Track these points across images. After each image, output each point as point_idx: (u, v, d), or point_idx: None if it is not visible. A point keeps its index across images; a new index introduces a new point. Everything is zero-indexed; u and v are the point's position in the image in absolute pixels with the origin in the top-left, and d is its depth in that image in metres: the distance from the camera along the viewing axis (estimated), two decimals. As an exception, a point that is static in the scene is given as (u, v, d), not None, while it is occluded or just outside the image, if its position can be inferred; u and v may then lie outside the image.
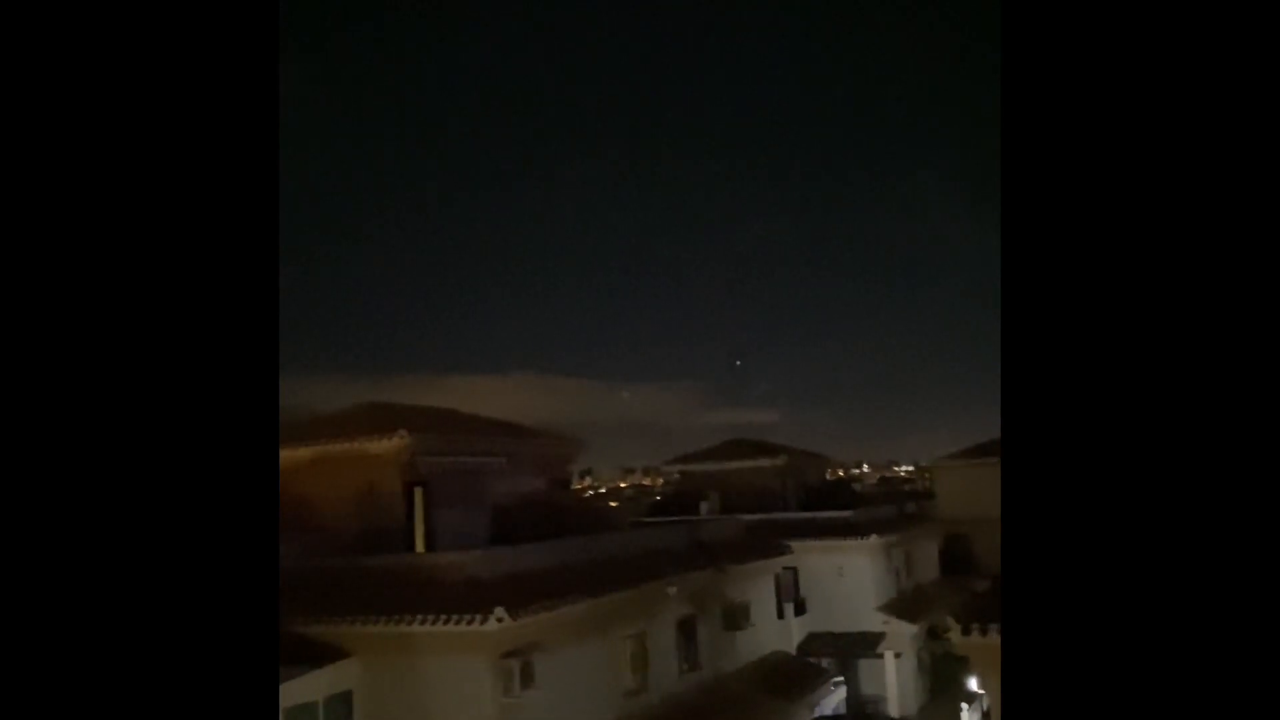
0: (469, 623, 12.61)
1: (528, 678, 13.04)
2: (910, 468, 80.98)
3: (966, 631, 11.01)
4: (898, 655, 25.32)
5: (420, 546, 15.09)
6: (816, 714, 21.03)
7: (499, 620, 12.56)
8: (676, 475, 35.95)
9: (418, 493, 15.50)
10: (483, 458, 18.39)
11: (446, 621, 12.83)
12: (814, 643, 25.04)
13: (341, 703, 13.13)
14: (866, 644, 25.20)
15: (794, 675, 21.49)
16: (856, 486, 49.71)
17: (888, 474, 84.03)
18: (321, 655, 13.15)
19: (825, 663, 23.72)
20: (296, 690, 12.64)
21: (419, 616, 13.06)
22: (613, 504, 42.38)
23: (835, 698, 22.83)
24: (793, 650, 23.92)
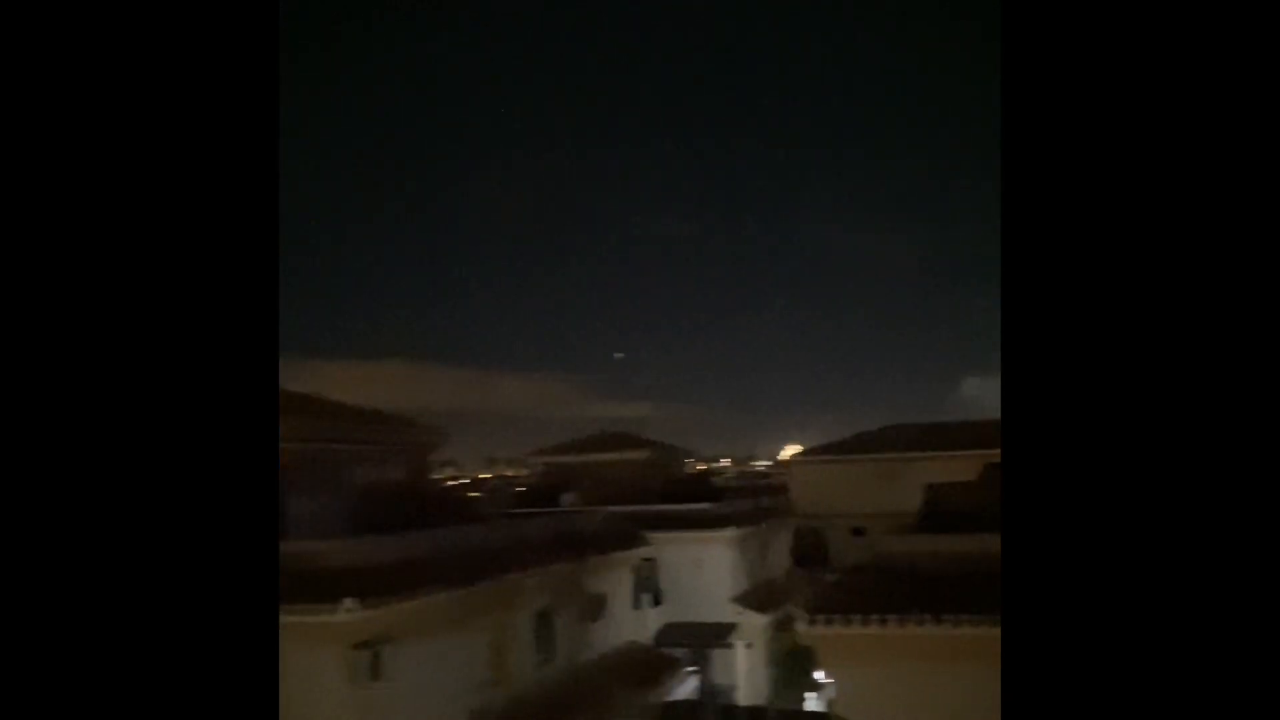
0: (319, 613, 12.38)
1: (378, 669, 12.88)
2: (768, 463, 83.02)
3: (814, 622, 11.45)
4: (749, 645, 25.98)
5: (292, 533, 14.69)
6: (665, 702, 21.41)
7: (349, 610, 12.37)
8: (540, 467, 35.93)
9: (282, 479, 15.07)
10: (342, 445, 18.00)
11: (296, 611, 12.56)
12: (669, 633, 25.48)
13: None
14: (719, 634, 25.78)
15: (649, 666, 21.82)
16: (717, 480, 50.65)
17: (746, 469, 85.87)
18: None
19: (680, 653, 24.15)
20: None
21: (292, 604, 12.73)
22: (476, 495, 42.06)
23: (688, 687, 23.28)
24: (649, 641, 24.26)
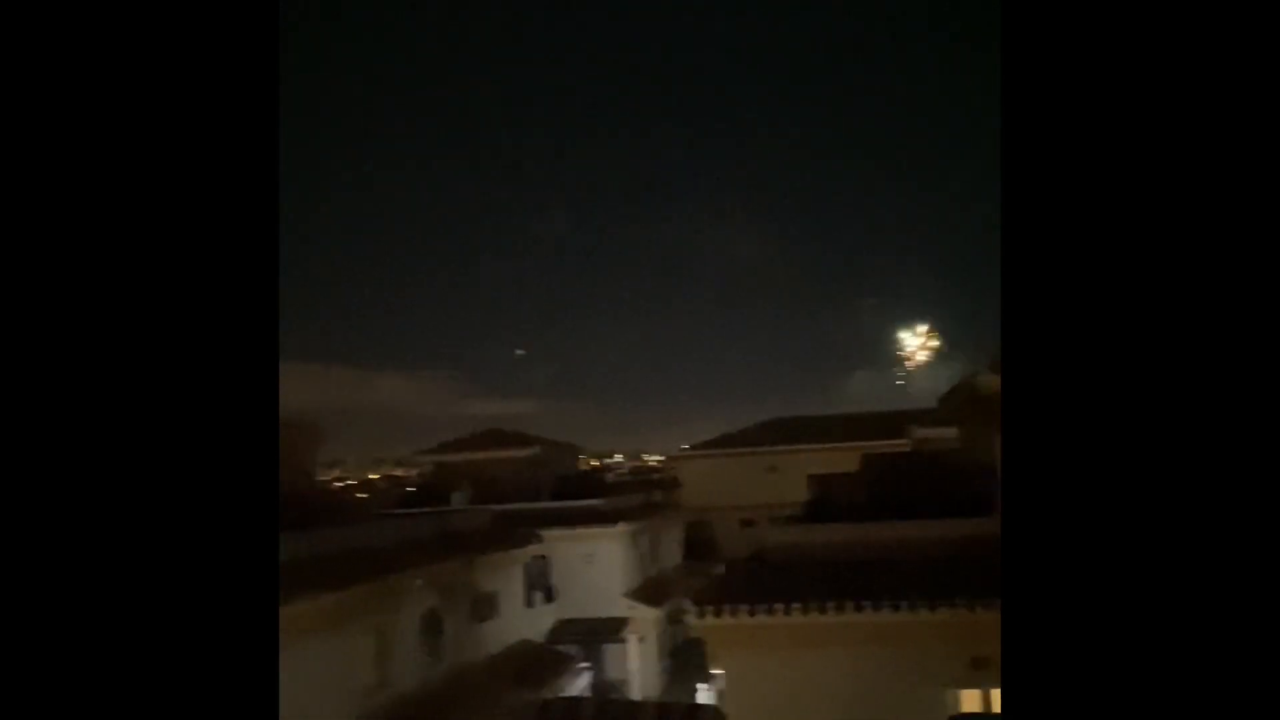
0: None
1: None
2: (659, 458, 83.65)
3: (703, 614, 11.53)
4: (641, 639, 26.11)
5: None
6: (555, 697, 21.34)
7: (229, 617, 11.92)
8: (428, 466, 35.39)
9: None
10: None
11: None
12: (561, 630, 25.40)
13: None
14: (611, 629, 25.83)
15: (541, 663, 21.70)
16: (609, 476, 50.73)
17: (638, 464, 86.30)
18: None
19: (573, 650, 24.10)
20: None
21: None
22: (362, 495, 41.18)
23: (580, 683, 23.26)
24: (542, 639, 24.14)
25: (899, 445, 29.67)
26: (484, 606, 20.02)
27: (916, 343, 56.79)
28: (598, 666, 25.36)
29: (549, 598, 25.08)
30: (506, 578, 22.12)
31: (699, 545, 34.85)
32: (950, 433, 20.19)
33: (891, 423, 34.94)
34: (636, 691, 25.66)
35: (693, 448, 42.63)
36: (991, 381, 12.14)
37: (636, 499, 32.20)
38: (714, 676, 23.17)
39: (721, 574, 15.78)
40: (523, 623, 22.87)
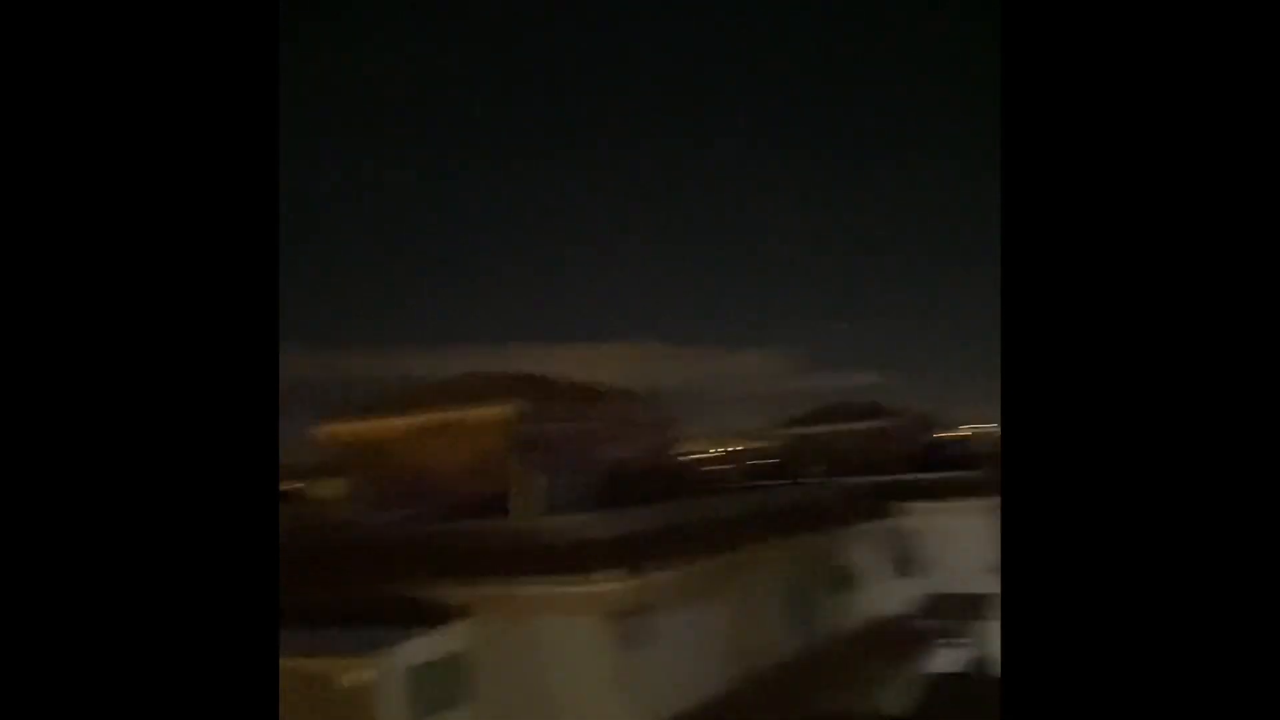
0: (581, 584, 12.79)
1: (641, 638, 13.18)
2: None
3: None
4: (1012, 618, 24.78)
5: (529, 511, 15.34)
6: (925, 674, 20.76)
7: (610, 581, 12.71)
8: (782, 439, 35.73)
9: (523, 457, 15.75)
10: (587, 423, 18.55)
11: (559, 583, 13.05)
12: (928, 604, 24.70)
13: (459, 663, 13.48)
14: (976, 606, 24.74)
15: (903, 638, 21.24)
16: (964, 448, 48.57)
17: (988, 434, 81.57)
18: (438, 617, 13.52)
19: (933, 625, 23.37)
20: (415, 651, 13.05)
21: (532, 578, 13.31)
22: (718, 468, 42.40)
23: (945, 659, 22.50)
24: (901, 613, 23.63)
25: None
26: (844, 579, 19.90)
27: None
28: (961, 644, 24.42)
29: (909, 572, 24.46)
30: (866, 550, 21.83)
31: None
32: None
33: None
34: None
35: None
36: None
37: (995, 470, 30.52)
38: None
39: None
40: (883, 596, 22.48)
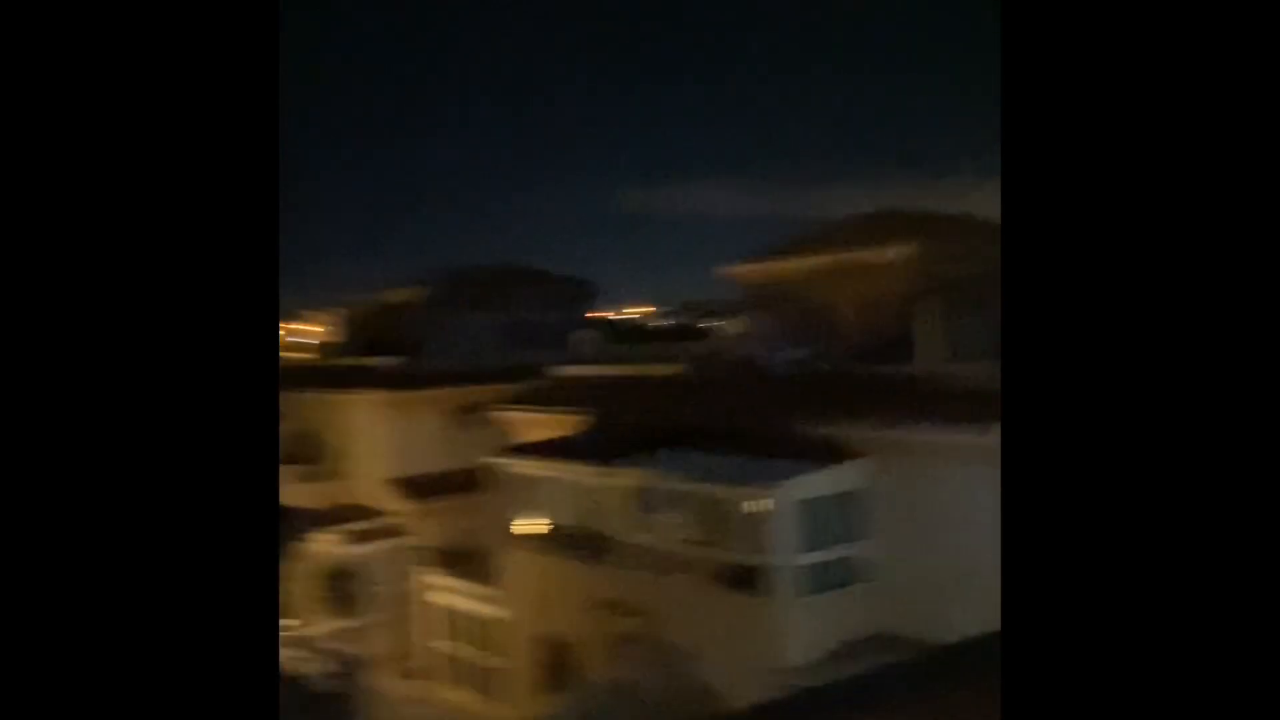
0: (973, 432, 12.44)
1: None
2: None
3: None
4: None
5: (929, 355, 15.00)
6: None
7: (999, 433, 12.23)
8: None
9: (926, 301, 15.29)
10: (995, 265, 17.50)
11: (951, 430, 12.79)
12: None
13: (850, 500, 13.84)
14: None
15: None
16: None
17: None
18: (834, 454, 13.89)
19: None
20: (809, 485, 13.57)
21: (926, 423, 13.18)
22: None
23: None
24: None
25: None
26: None
27: None
28: None
29: None
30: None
31: None
32: None
33: None
34: None
35: None
36: None
37: None
38: None
39: None
40: None
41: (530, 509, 17.54)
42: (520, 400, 20.29)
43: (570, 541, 16.69)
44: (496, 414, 20.41)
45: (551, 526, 17.16)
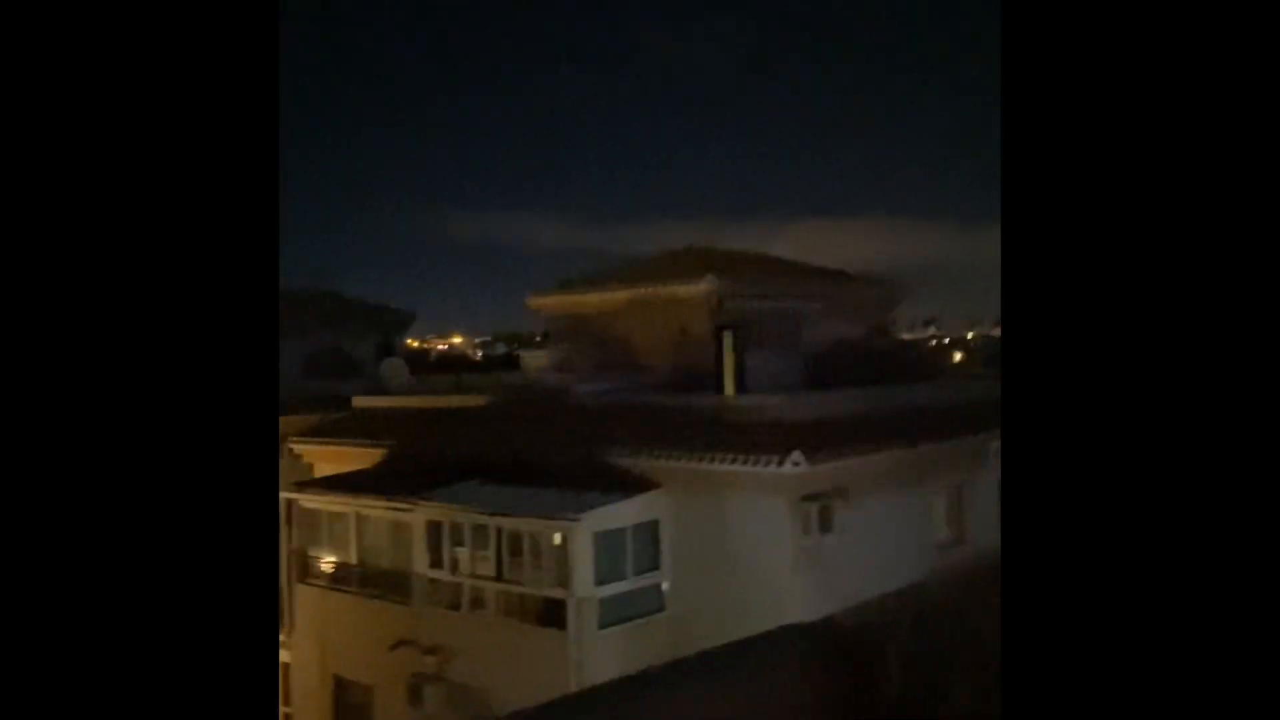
0: (769, 464, 12.77)
1: (826, 522, 13.06)
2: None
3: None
4: None
5: (729, 388, 15.38)
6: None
7: (795, 464, 12.59)
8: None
9: (727, 336, 15.70)
10: (795, 302, 18.18)
11: (748, 462, 13.08)
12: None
13: (649, 530, 13.92)
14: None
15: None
16: None
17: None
18: (633, 486, 13.95)
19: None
20: (609, 517, 13.57)
21: (724, 455, 13.41)
22: (957, 355, 40.92)
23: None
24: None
25: None
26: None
27: None
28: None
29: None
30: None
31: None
32: None
33: None
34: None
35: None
36: None
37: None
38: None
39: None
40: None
41: (326, 545, 16.83)
42: (320, 432, 19.49)
43: (366, 579, 16.09)
44: (291, 446, 19.52)
45: (347, 563, 16.49)
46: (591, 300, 19.06)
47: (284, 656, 17.57)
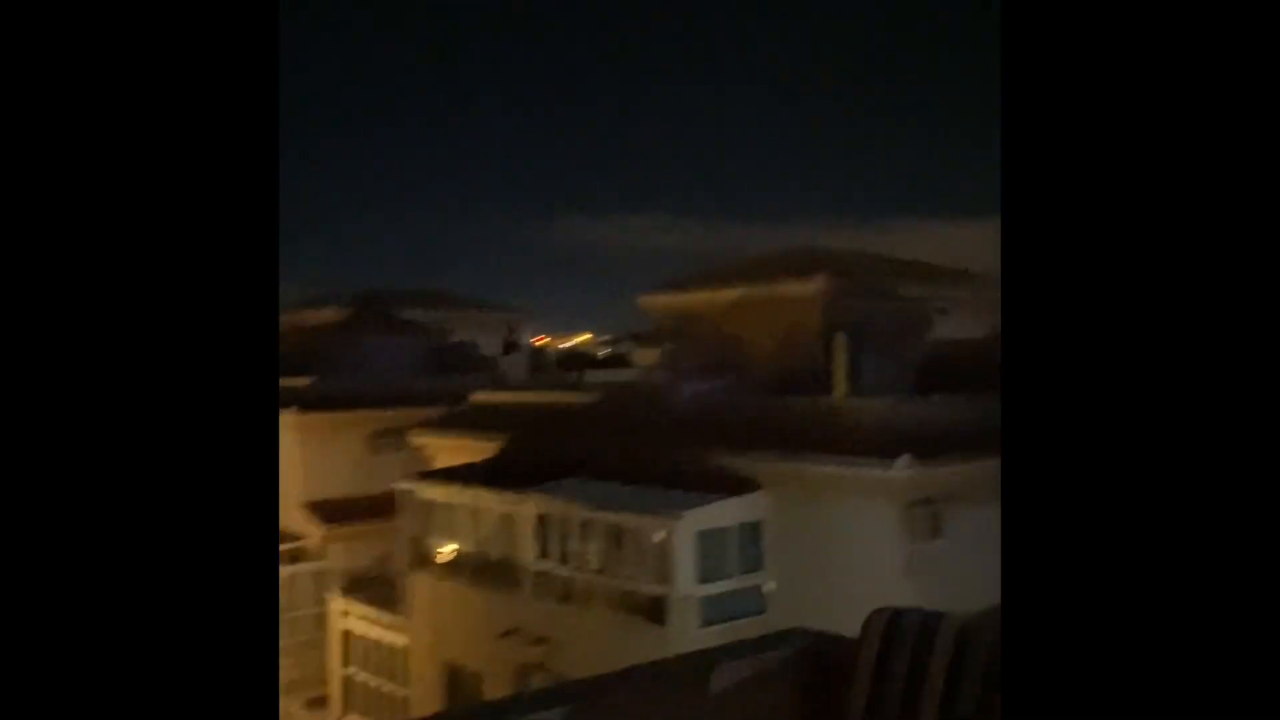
0: (876, 466, 12.58)
1: (935, 528, 12.79)
2: None
3: None
4: None
5: (840, 390, 15.15)
6: None
7: (905, 468, 12.38)
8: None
9: (839, 336, 15.47)
10: (912, 303, 17.81)
11: (855, 464, 12.92)
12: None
13: (752, 531, 13.88)
14: None
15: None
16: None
17: None
18: (737, 486, 13.94)
19: None
20: (711, 516, 13.60)
21: (830, 457, 13.27)
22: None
23: None
24: None
25: None
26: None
27: None
28: None
29: None
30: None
31: None
32: None
33: None
34: None
35: None
36: None
37: None
38: None
39: None
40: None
41: (440, 535, 17.36)
42: (437, 425, 20.12)
43: (478, 569, 16.53)
44: (412, 438, 20.20)
45: (460, 553, 16.98)
46: (701, 299, 19.09)
47: (401, 640, 18.22)
